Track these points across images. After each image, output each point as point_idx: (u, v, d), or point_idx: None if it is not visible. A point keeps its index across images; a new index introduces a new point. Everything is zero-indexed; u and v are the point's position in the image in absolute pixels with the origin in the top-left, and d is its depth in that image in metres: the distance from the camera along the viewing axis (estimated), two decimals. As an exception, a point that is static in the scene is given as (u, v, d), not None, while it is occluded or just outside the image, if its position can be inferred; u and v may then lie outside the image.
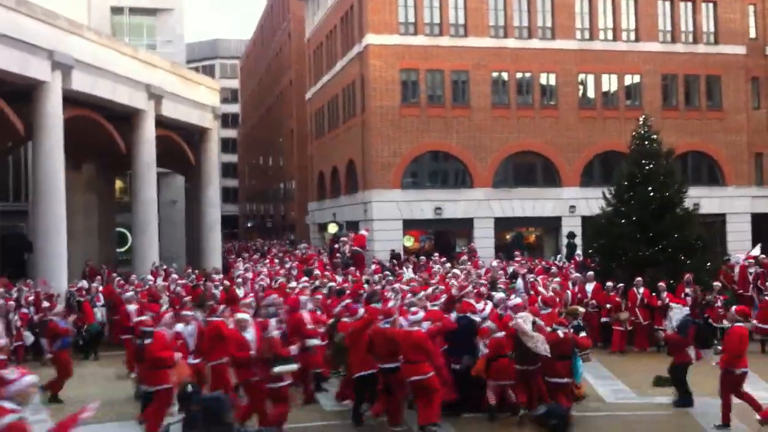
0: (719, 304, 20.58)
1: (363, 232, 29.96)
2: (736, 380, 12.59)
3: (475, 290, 16.97)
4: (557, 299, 18.47)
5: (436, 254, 30.91)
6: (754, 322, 18.25)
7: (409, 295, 15.86)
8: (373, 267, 26.98)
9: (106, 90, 27.30)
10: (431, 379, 12.32)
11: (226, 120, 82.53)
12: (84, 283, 23.91)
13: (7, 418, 6.59)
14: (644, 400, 14.79)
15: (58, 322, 16.15)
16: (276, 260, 32.53)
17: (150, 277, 25.14)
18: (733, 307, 13.83)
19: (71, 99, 25.64)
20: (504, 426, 13.10)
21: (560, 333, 12.91)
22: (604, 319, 21.12)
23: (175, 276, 25.39)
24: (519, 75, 38.29)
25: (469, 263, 27.23)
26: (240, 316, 12.98)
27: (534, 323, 12.99)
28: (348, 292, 17.93)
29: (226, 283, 24.80)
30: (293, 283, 20.85)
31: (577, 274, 23.18)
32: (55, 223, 24.47)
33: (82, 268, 29.44)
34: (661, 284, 20.58)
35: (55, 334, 15.97)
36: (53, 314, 16.55)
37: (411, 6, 37.04)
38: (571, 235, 33.81)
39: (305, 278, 22.81)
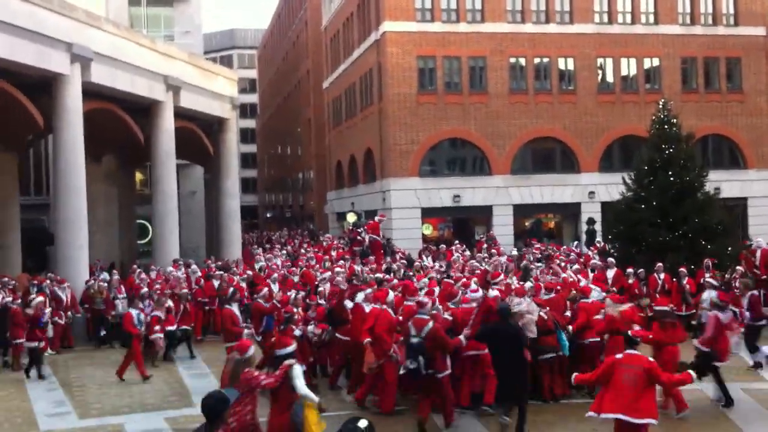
0: (737, 284, 20.46)
1: (377, 218, 29.98)
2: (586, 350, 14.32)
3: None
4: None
5: (457, 242, 30.83)
6: None
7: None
8: (398, 255, 26.97)
9: (124, 82, 27.40)
10: (485, 355, 12.81)
11: (245, 110, 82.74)
12: (105, 276, 24.10)
13: (429, 324, 11.80)
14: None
15: (264, 303, 16.32)
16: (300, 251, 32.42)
17: (171, 268, 25.29)
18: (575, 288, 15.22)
19: (90, 91, 25.73)
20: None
21: (543, 314, 13.75)
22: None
23: (195, 267, 25.49)
24: (537, 60, 38.10)
25: (493, 251, 27.14)
26: (391, 296, 14.07)
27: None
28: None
29: (249, 273, 24.92)
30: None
31: (595, 261, 23.06)
32: (76, 215, 24.62)
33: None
34: (682, 269, 20.48)
35: (261, 315, 16.08)
36: (260, 296, 16.63)
37: (427, -8, 36.98)
38: (591, 222, 33.66)
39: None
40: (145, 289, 20.37)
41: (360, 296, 15.06)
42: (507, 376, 11.71)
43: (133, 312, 17.74)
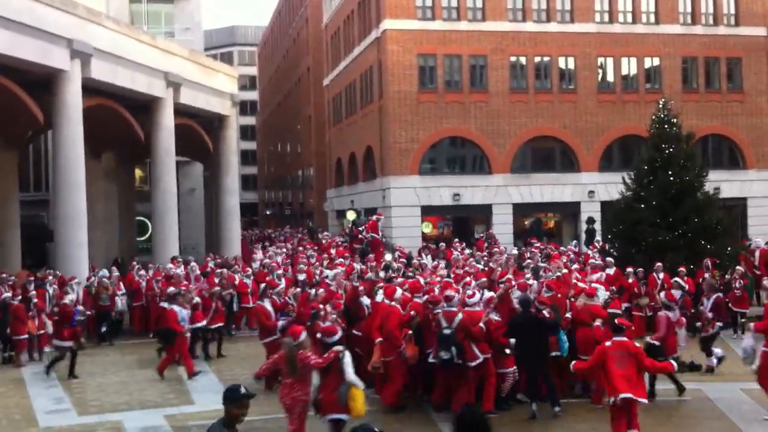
0: (737, 285, 20.46)
1: (375, 217, 29.95)
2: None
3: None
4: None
5: (457, 241, 30.81)
6: None
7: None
8: (397, 254, 26.93)
9: (124, 78, 27.40)
10: (488, 361, 12.89)
11: (245, 107, 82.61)
12: (105, 272, 24.08)
13: (459, 316, 12.65)
14: (663, 386, 14.73)
15: (277, 299, 16.36)
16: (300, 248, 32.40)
17: (171, 265, 25.27)
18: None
19: (90, 88, 25.74)
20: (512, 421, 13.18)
21: (546, 313, 13.68)
22: (624, 305, 20.97)
23: (194, 265, 25.48)
24: (537, 59, 38.07)
25: (495, 250, 27.11)
26: (399, 293, 14.34)
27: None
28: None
29: (248, 270, 24.92)
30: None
31: (593, 260, 23.02)
32: (76, 212, 24.62)
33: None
34: (681, 269, 20.46)
35: (274, 311, 16.12)
36: (275, 293, 16.63)
37: (428, -10, 36.93)
38: (590, 221, 33.65)
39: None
40: (172, 289, 19.75)
41: (381, 294, 15.02)
42: (533, 365, 12.87)
43: (176, 308, 17.17)
